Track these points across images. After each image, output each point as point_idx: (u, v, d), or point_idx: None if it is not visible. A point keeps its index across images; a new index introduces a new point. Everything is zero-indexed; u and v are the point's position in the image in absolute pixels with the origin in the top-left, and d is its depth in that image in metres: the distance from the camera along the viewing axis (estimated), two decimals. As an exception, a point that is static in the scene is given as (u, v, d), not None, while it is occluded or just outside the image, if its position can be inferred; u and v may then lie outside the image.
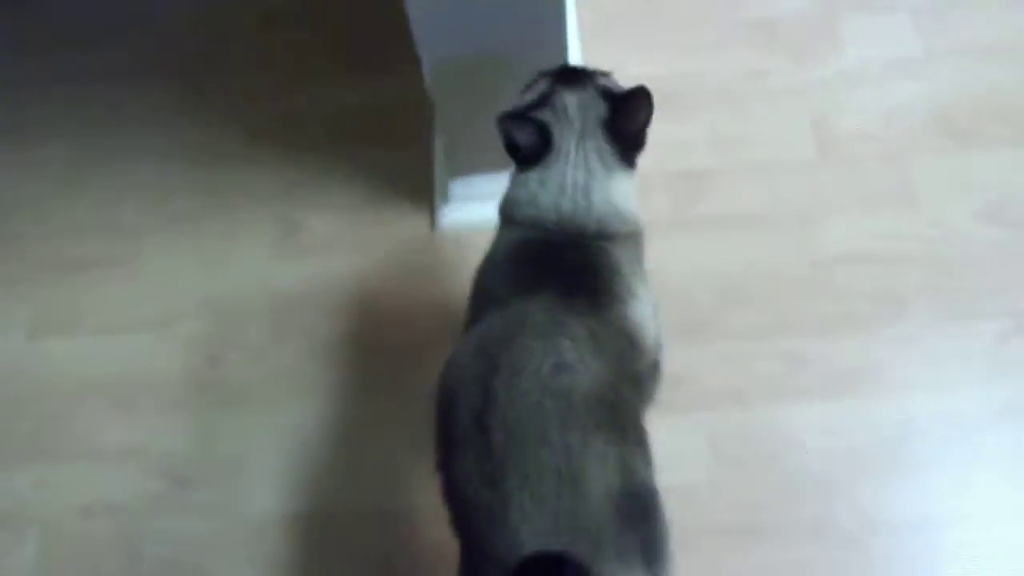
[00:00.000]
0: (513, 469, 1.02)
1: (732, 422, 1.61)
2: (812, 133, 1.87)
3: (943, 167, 1.82)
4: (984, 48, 1.94)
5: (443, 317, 1.71)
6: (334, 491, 1.62)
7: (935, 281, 1.71)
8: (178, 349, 1.77)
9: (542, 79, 1.31)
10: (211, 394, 1.72)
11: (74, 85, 2.09)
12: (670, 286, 1.55)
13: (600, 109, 1.26)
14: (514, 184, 1.29)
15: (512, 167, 1.29)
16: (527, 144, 1.24)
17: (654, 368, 1.29)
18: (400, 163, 1.90)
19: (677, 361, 1.61)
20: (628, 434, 1.10)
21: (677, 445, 1.57)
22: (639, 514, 1.06)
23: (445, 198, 1.82)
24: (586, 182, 1.23)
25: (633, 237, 1.27)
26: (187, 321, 1.80)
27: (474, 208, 1.76)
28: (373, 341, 1.74)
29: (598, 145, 1.25)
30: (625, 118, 1.25)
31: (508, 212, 1.28)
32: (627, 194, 1.27)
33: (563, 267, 1.20)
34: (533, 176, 1.25)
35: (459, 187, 1.79)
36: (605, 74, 1.32)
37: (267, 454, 1.66)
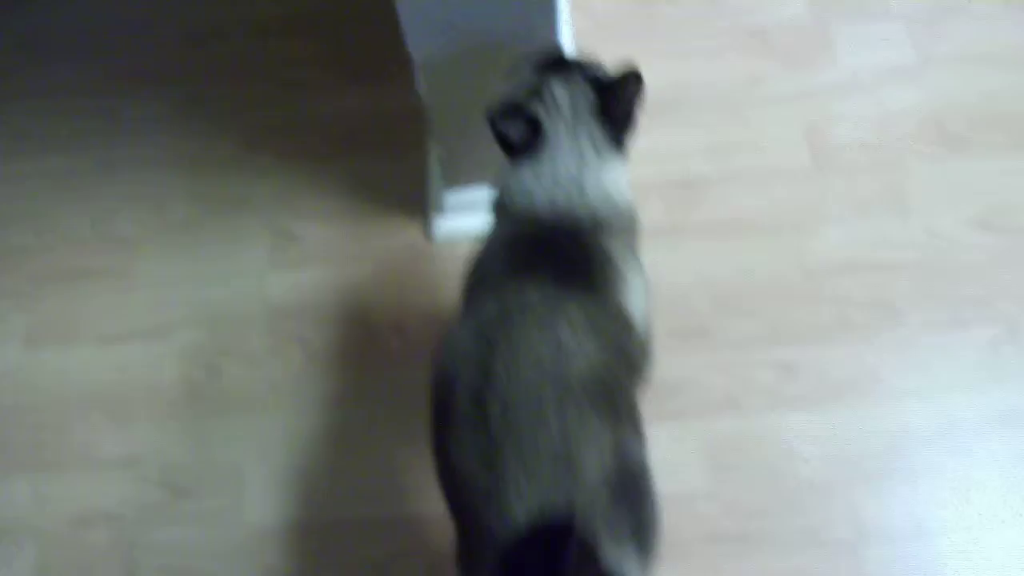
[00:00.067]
0: (510, 448, 1.03)
1: (727, 430, 1.61)
2: (806, 141, 1.87)
3: (936, 175, 1.82)
4: (977, 56, 1.94)
5: (438, 326, 1.71)
6: (331, 500, 1.63)
7: (929, 288, 1.71)
8: (175, 359, 1.77)
9: (528, 65, 1.31)
10: (208, 403, 1.73)
11: (71, 96, 2.10)
12: (665, 293, 1.55)
13: (590, 96, 1.26)
14: (506, 176, 1.29)
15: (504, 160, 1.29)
16: (518, 138, 1.25)
17: (645, 349, 1.29)
18: (395, 173, 1.91)
19: (673, 369, 1.63)
20: (623, 414, 1.11)
21: (673, 453, 1.58)
22: (633, 493, 1.07)
23: (440, 208, 1.83)
24: (579, 172, 1.24)
25: (626, 223, 1.28)
26: (183, 331, 1.80)
27: (469, 219, 1.76)
28: (369, 350, 1.75)
29: (590, 132, 1.25)
30: (616, 101, 1.26)
31: (501, 204, 1.29)
32: (620, 181, 1.27)
33: (557, 253, 1.20)
34: (526, 168, 1.26)
35: (454, 198, 1.80)
36: (591, 61, 1.32)
37: (264, 463, 1.66)
